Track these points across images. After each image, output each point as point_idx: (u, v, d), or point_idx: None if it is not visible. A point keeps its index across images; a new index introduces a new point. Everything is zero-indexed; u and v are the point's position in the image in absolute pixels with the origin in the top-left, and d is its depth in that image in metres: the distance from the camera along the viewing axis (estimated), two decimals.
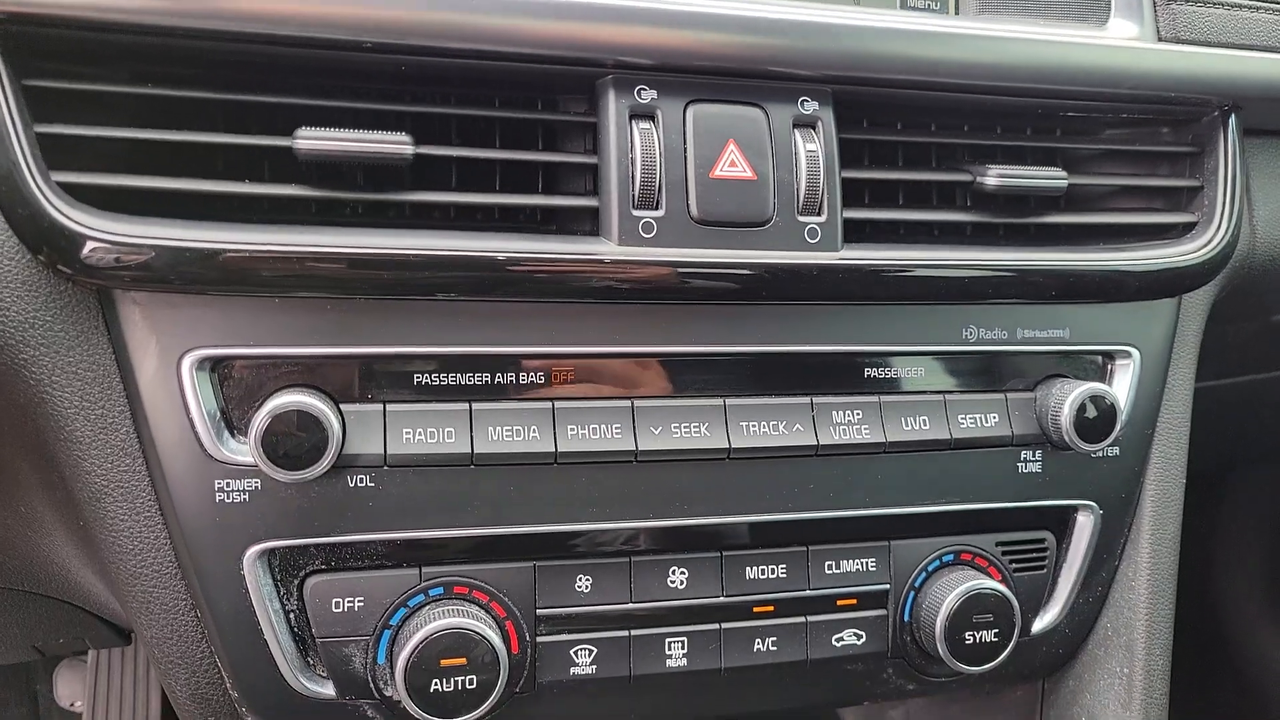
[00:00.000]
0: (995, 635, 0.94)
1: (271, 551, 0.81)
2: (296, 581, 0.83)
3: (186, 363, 0.78)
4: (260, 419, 0.76)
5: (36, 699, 2.17)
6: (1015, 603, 0.94)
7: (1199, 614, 2.56)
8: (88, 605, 1.15)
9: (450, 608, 0.84)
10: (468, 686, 0.82)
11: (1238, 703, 2.56)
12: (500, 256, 0.80)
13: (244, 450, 0.79)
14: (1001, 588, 0.94)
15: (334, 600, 0.83)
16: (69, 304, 0.77)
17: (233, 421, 0.80)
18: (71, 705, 2.13)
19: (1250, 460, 2.41)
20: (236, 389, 0.80)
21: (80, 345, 0.78)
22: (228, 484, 0.79)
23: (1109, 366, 1.01)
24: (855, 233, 0.90)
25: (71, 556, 0.99)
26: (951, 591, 0.93)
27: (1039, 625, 1.02)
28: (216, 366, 0.79)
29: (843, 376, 0.93)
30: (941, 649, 0.93)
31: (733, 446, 0.88)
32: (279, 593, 0.83)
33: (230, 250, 0.75)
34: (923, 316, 0.94)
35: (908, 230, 0.95)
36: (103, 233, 0.72)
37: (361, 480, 0.82)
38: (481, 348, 0.83)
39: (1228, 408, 1.54)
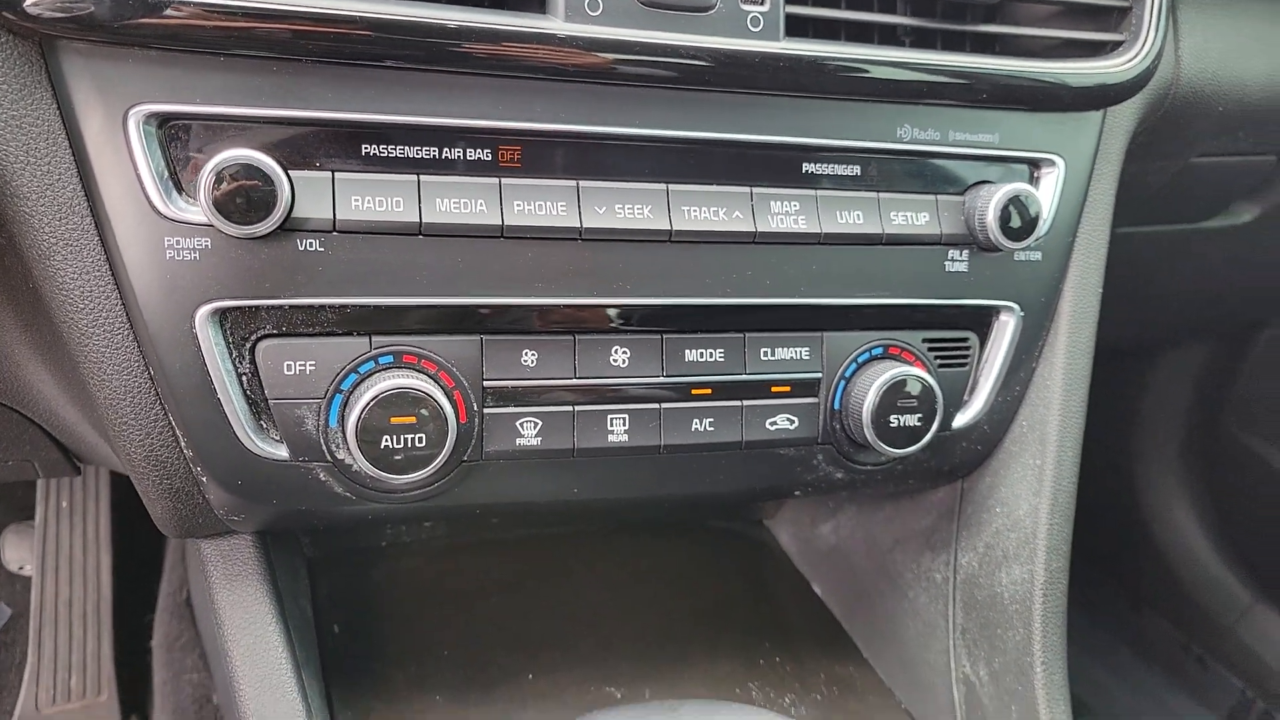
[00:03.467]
0: (919, 420, 1.00)
1: (223, 312, 0.83)
2: (249, 344, 0.85)
3: (133, 119, 0.78)
4: (209, 170, 0.77)
5: None
6: (937, 388, 1.00)
7: (1120, 494, 2.70)
8: (37, 415, 1.16)
9: (400, 373, 0.87)
10: (417, 445, 0.86)
11: (1151, 577, 2.71)
12: (450, 25, 0.81)
13: (193, 209, 0.80)
14: (925, 374, 1.00)
15: (285, 363, 0.86)
16: (10, 56, 0.77)
17: (180, 182, 0.81)
18: (20, 569, 2.14)
19: (1174, 340, 2.51)
20: (183, 149, 0.81)
21: (24, 99, 0.78)
22: (177, 242, 0.81)
23: (1035, 175, 1.06)
24: (797, 30, 0.93)
25: (21, 345, 0.99)
26: (879, 378, 0.99)
27: (960, 421, 1.09)
28: (163, 124, 0.80)
29: (782, 169, 0.96)
30: (869, 433, 0.99)
31: (674, 229, 0.91)
32: (231, 354, 0.85)
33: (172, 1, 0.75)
34: (860, 114, 0.97)
35: (848, 34, 0.98)
36: None
37: (311, 244, 0.83)
38: (430, 119, 0.85)
39: (1149, 260, 1.62)
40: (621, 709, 0.66)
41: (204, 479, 0.89)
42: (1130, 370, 2.61)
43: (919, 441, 1.01)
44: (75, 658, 2.03)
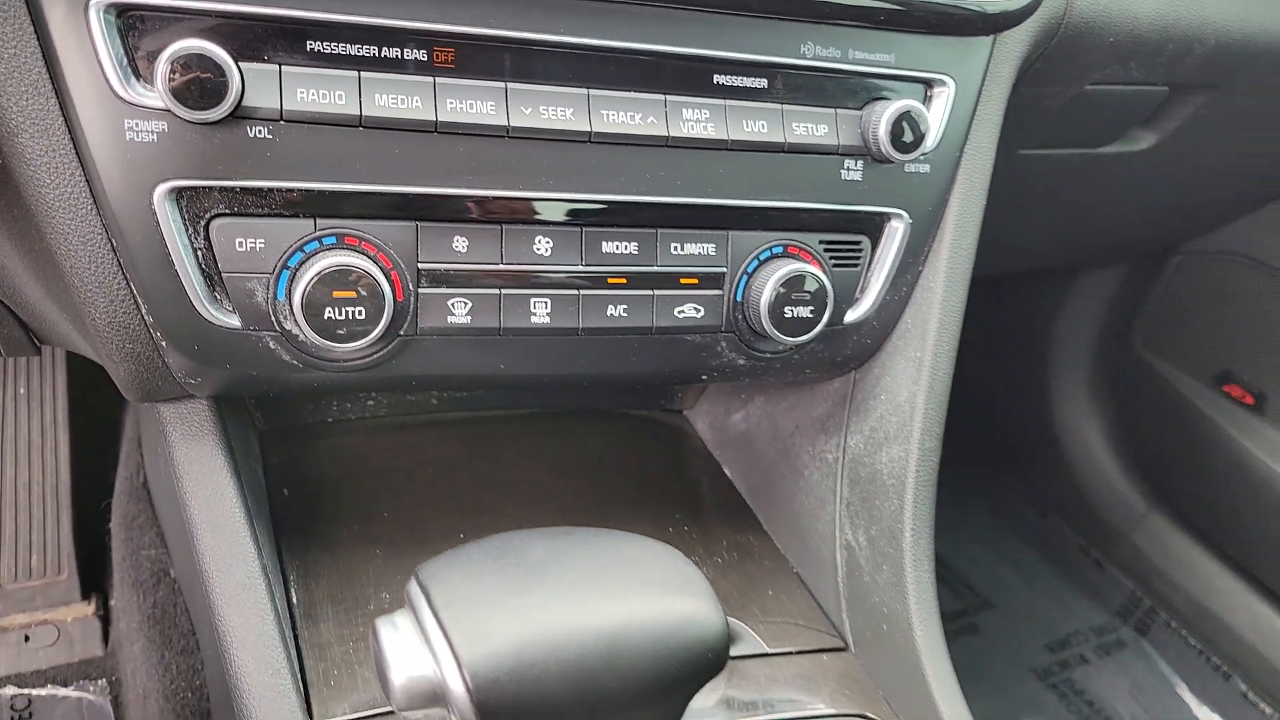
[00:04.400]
0: (811, 312, 1.13)
1: (179, 191, 0.92)
2: (203, 222, 0.94)
3: (93, 8, 0.86)
4: (164, 58, 0.85)
5: None
6: (829, 285, 1.13)
7: (1035, 408, 2.88)
8: (0, 293, 1.24)
9: (342, 253, 0.96)
10: (357, 318, 0.96)
11: (1058, 486, 2.90)
12: None
13: (150, 94, 0.88)
14: (819, 272, 1.12)
15: (237, 240, 0.95)
16: None
17: (138, 68, 0.89)
18: None
19: (1090, 264, 2.66)
20: (140, 38, 0.88)
21: None
22: (136, 124, 0.89)
23: (929, 93, 1.16)
24: None
25: None
26: (776, 273, 1.11)
27: (852, 316, 1.21)
28: (121, 14, 0.87)
29: (694, 80, 1.06)
30: (766, 323, 1.11)
31: (593, 130, 1.01)
32: (187, 230, 0.94)
33: None
34: (768, 31, 1.06)
35: None
36: None
37: (260, 132, 0.92)
38: (371, 19, 0.93)
39: (1056, 183, 1.74)
40: (522, 530, 0.79)
41: (163, 344, 0.99)
42: (1049, 291, 2.76)
43: (811, 331, 1.14)
44: (35, 538, 2.12)
